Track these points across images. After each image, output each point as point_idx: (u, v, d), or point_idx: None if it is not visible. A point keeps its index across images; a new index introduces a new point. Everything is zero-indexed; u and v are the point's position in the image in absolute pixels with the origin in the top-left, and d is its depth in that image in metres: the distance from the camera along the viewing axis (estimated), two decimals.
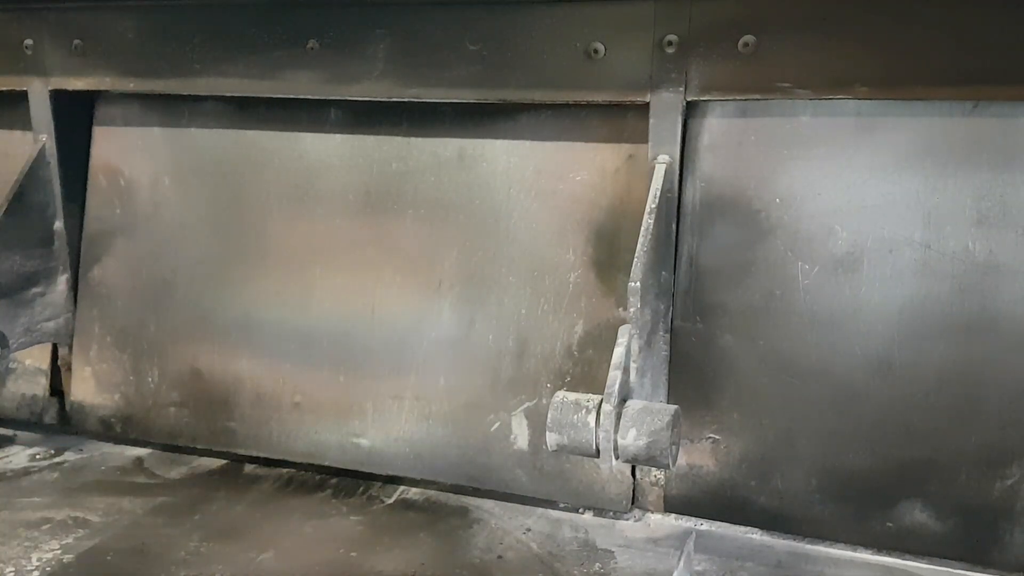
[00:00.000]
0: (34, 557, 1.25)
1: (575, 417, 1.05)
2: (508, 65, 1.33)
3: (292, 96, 1.49)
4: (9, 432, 1.72)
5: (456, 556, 1.27)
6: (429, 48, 1.36)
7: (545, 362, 1.41)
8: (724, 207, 1.27)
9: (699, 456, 1.33)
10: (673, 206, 1.27)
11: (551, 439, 1.06)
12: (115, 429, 1.68)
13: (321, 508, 1.42)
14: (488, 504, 1.42)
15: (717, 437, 1.31)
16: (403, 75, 1.39)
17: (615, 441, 1.03)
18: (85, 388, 1.71)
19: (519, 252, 1.43)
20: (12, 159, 1.67)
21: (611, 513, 1.38)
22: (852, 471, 1.26)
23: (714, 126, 1.28)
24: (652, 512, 1.36)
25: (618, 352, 1.10)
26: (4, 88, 1.65)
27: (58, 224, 1.67)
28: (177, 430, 1.64)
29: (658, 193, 1.21)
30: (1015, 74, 1.10)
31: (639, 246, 1.16)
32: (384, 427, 1.51)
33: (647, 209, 1.20)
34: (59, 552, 1.26)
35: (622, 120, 1.35)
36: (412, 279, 1.50)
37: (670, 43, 1.22)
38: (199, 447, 1.62)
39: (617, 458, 1.04)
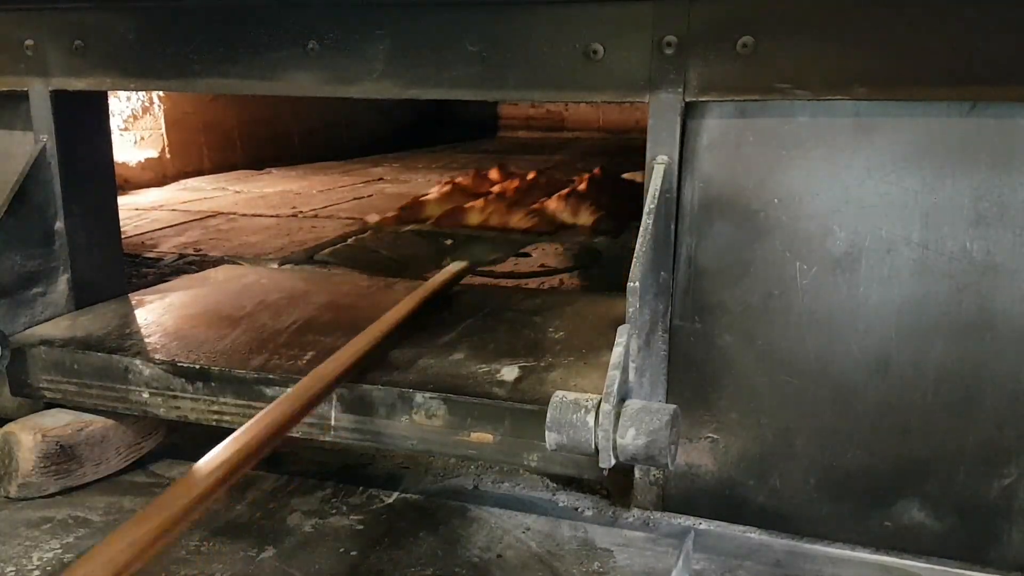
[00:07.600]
0: (35, 556, 1.25)
1: (574, 416, 1.05)
2: (508, 65, 1.33)
3: (292, 96, 1.49)
4: None
5: (455, 555, 1.27)
6: (429, 48, 1.37)
7: None
8: (723, 207, 1.27)
9: (697, 455, 1.33)
10: (672, 206, 1.27)
11: (550, 438, 1.06)
12: None
13: (321, 507, 1.42)
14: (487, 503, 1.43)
15: (715, 436, 1.32)
16: (403, 75, 1.39)
17: (614, 440, 1.04)
18: None
19: None
20: (12, 159, 1.67)
21: (610, 512, 1.38)
22: (850, 470, 1.26)
23: (713, 127, 1.28)
24: (651, 511, 1.37)
25: (617, 352, 1.10)
26: (4, 88, 1.65)
27: (59, 224, 1.67)
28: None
29: (657, 193, 1.21)
30: (1013, 75, 1.10)
31: (638, 246, 1.16)
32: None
33: (646, 209, 1.20)
34: (60, 552, 1.27)
35: None
36: None
37: (669, 44, 1.22)
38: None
39: (616, 458, 1.05)
